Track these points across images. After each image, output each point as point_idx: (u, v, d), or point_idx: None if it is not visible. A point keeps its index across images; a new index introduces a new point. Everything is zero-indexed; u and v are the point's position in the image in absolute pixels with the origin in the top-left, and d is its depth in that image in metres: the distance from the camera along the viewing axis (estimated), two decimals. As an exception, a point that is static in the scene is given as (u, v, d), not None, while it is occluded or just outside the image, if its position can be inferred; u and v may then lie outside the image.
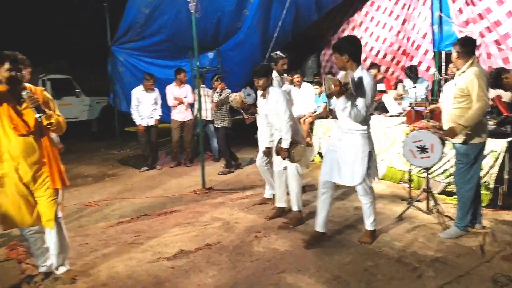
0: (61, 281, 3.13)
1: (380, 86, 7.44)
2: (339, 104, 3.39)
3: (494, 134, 4.54)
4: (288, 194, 4.44)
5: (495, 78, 4.60)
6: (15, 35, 13.91)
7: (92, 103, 12.78)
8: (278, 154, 4.25)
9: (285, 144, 4.09)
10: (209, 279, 3.18)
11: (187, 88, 7.44)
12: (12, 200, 2.94)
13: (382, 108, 6.88)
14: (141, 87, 7.14)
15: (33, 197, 2.99)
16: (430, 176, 4.56)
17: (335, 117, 3.67)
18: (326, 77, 3.51)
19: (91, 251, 3.77)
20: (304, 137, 4.46)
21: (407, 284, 3.03)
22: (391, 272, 3.20)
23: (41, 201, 2.99)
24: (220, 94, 7.03)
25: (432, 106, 4.63)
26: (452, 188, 4.81)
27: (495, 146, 4.49)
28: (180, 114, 7.38)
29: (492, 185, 4.51)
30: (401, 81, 7.61)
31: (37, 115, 2.82)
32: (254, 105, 4.91)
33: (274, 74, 4.68)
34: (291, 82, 4.81)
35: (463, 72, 3.61)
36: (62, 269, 3.18)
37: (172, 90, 7.36)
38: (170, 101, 7.32)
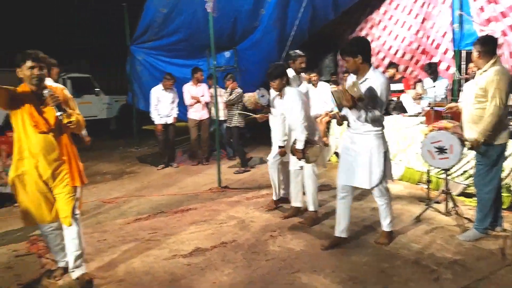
0: (77, 284, 3.10)
1: (399, 86, 7.35)
2: (353, 114, 3.37)
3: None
4: (304, 193, 4.43)
5: None
6: (38, 35, 14.19)
7: (111, 102, 12.97)
8: (293, 154, 4.25)
9: (299, 145, 4.07)
10: (224, 277, 3.20)
11: (203, 87, 7.49)
12: (32, 197, 2.97)
13: (400, 108, 6.79)
14: (160, 86, 7.23)
15: (52, 194, 3.02)
16: (449, 177, 4.49)
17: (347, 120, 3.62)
18: (332, 90, 3.46)
19: (109, 247, 3.83)
20: (321, 137, 4.43)
21: (424, 286, 2.99)
22: (407, 274, 3.16)
23: (59, 198, 3.01)
24: (231, 94, 7.05)
25: (452, 104, 4.54)
26: (471, 189, 4.71)
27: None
28: (197, 113, 7.43)
29: (513, 187, 4.42)
30: (420, 80, 7.49)
31: (58, 113, 2.85)
32: (268, 106, 4.91)
33: (291, 72, 4.66)
34: (309, 81, 4.78)
35: (485, 71, 3.54)
36: (77, 272, 3.10)
37: (189, 89, 7.41)
38: (187, 100, 7.38)
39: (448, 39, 7.84)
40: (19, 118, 2.86)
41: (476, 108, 3.58)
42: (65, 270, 3.20)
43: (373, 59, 9.47)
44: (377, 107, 3.34)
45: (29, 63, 2.83)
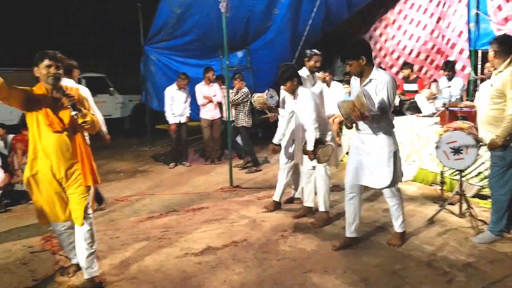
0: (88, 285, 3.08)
1: (413, 86, 7.28)
2: (364, 124, 3.35)
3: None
4: (316, 194, 4.42)
5: None
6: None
7: (125, 101, 13.10)
8: (305, 154, 4.24)
9: (309, 146, 4.06)
10: (235, 276, 3.21)
11: (215, 87, 7.52)
12: (46, 197, 2.99)
13: (414, 108, 6.72)
14: (174, 86, 7.29)
15: (66, 193, 3.01)
16: (463, 179, 4.42)
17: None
18: (339, 102, 3.36)
19: (122, 245, 3.87)
20: (335, 137, 4.41)
21: (437, 289, 2.96)
22: (420, 276, 3.13)
23: (72, 198, 3.00)
24: (237, 93, 7.05)
25: (468, 103, 4.49)
26: (486, 191, 4.64)
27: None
28: (209, 113, 7.46)
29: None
30: (435, 80, 7.40)
31: (73, 113, 2.86)
32: (276, 107, 4.91)
33: (305, 72, 4.65)
34: (323, 80, 4.76)
35: (500, 71, 3.47)
36: (89, 273, 3.05)
37: (201, 89, 7.45)
38: (200, 100, 7.41)
39: (464, 38, 7.73)
40: (34, 117, 2.88)
41: (491, 109, 3.52)
42: (78, 267, 3.22)
43: (387, 59, 9.42)
44: (385, 106, 3.29)
45: (46, 62, 2.85)
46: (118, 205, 5.21)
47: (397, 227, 3.66)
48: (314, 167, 4.31)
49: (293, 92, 4.20)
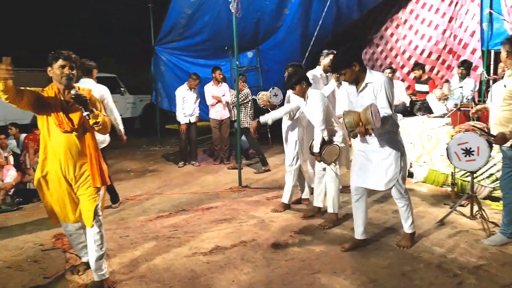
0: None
1: (425, 87, 7.22)
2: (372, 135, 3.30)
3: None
4: (325, 195, 4.41)
5: None
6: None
7: (135, 101, 13.18)
8: (313, 155, 4.23)
9: (315, 149, 4.05)
10: (243, 275, 3.21)
11: (224, 87, 7.53)
12: (57, 197, 3.00)
13: (426, 109, 6.66)
14: (185, 86, 7.33)
15: (76, 194, 3.02)
16: (474, 180, 4.37)
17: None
18: (344, 111, 3.26)
19: (131, 244, 3.90)
20: (346, 137, 4.39)
21: (446, 291, 2.93)
22: (430, 278, 3.10)
23: (82, 199, 3.00)
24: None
25: (479, 106, 4.42)
26: (498, 193, 4.58)
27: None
28: (218, 113, 7.48)
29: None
30: (447, 81, 7.33)
31: (85, 114, 2.85)
32: (281, 106, 4.90)
33: (318, 71, 4.62)
34: (337, 79, 4.74)
35: (513, 72, 3.43)
36: (98, 275, 3.03)
37: (210, 89, 7.47)
38: (209, 100, 7.44)
39: (476, 38, 7.63)
40: (44, 117, 2.89)
41: (503, 110, 3.47)
42: (88, 265, 3.24)
43: (398, 59, 9.35)
44: (386, 107, 3.22)
45: (60, 62, 2.85)
46: (128, 204, 5.25)
47: (407, 228, 3.63)
48: (324, 169, 4.30)
49: (303, 95, 4.19)
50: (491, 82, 7.11)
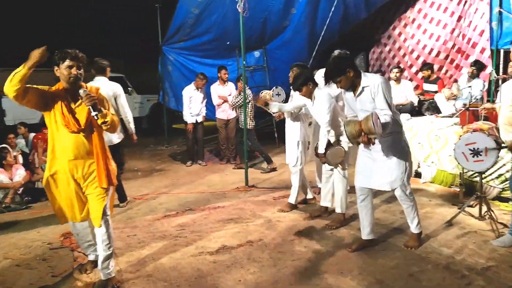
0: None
1: (434, 87, 7.16)
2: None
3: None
4: (333, 195, 4.40)
5: None
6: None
7: (143, 101, 13.24)
8: (317, 156, 4.22)
9: (320, 149, 4.04)
10: (250, 275, 3.21)
11: (230, 86, 7.53)
12: (65, 196, 3.00)
13: (434, 109, 6.61)
14: (192, 86, 7.35)
15: (84, 193, 3.02)
16: (483, 181, 4.33)
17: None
18: (345, 121, 3.26)
19: (139, 242, 3.92)
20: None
21: (454, 292, 2.90)
22: (437, 279, 3.08)
23: (91, 198, 3.00)
24: (238, 96, 7.06)
25: (487, 105, 4.39)
26: (507, 193, 4.54)
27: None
28: (224, 113, 7.48)
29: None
30: (456, 81, 7.27)
31: (93, 113, 2.82)
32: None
33: None
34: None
35: (523, 71, 3.39)
36: (104, 274, 3.05)
37: (216, 89, 7.48)
38: (215, 100, 7.45)
39: (485, 37, 7.55)
40: (52, 117, 2.88)
41: (513, 110, 3.44)
42: (95, 263, 3.27)
43: (406, 58, 9.29)
44: (385, 109, 3.18)
45: (67, 62, 2.83)
46: (135, 203, 5.28)
47: (413, 228, 3.61)
48: (332, 169, 4.29)
49: (309, 95, 4.18)
50: (500, 81, 7.05)
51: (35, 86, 2.83)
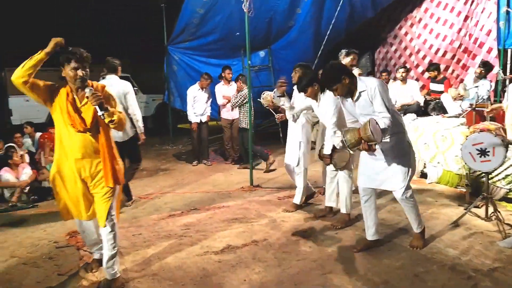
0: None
1: (440, 87, 7.12)
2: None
3: None
4: (337, 195, 4.39)
5: None
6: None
7: (148, 100, 13.28)
8: (321, 159, 4.20)
9: (326, 150, 4.02)
10: (254, 275, 3.21)
11: (235, 86, 7.53)
12: (71, 194, 3.01)
13: (440, 108, 6.57)
14: (196, 86, 7.37)
15: (90, 192, 3.02)
16: (490, 181, 4.30)
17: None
18: (344, 130, 3.24)
19: (144, 242, 3.93)
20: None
21: (460, 294, 2.89)
22: (443, 279, 3.06)
23: (97, 198, 2.99)
24: (237, 96, 7.06)
25: (495, 105, 4.35)
26: (515, 194, 4.51)
27: None
28: (229, 113, 7.48)
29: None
30: (462, 81, 7.23)
31: (100, 113, 2.80)
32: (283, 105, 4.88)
33: None
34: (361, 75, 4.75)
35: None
36: (109, 274, 3.05)
37: (221, 89, 7.49)
38: (220, 100, 7.46)
39: (493, 37, 7.50)
40: (59, 116, 2.88)
41: (521, 110, 3.41)
42: (100, 262, 3.26)
43: (412, 58, 9.25)
44: (383, 111, 3.16)
45: (73, 64, 2.81)
46: (141, 203, 5.30)
47: (416, 228, 3.59)
48: (336, 169, 4.28)
49: (315, 96, 4.16)
50: (507, 81, 7.00)
51: (42, 81, 2.86)
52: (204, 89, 7.36)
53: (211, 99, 7.52)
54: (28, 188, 5.63)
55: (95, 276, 3.25)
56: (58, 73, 2.91)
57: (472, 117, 5.22)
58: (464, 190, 4.97)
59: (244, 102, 7.00)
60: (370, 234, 3.62)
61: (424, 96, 7.27)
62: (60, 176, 2.99)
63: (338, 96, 3.37)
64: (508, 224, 3.94)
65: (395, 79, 7.75)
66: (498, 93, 7.44)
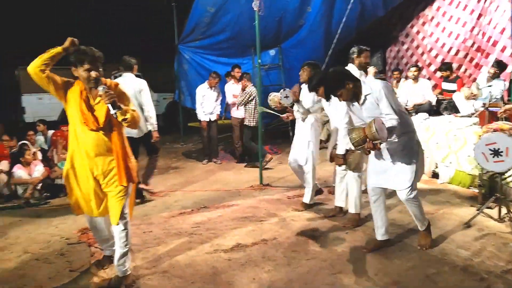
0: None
1: (453, 86, 7.05)
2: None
3: None
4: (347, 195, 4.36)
5: None
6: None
7: (159, 99, 13.34)
8: (332, 160, 4.17)
9: (340, 150, 4.00)
10: (264, 274, 3.21)
11: None
12: (84, 191, 3.02)
13: (452, 108, 6.50)
14: (206, 84, 7.39)
15: (102, 190, 3.01)
16: (503, 182, 4.24)
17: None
18: (349, 129, 3.23)
19: (154, 239, 3.96)
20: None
21: (472, 295, 2.85)
22: (455, 281, 3.03)
23: (110, 196, 2.99)
24: (242, 95, 7.06)
25: (508, 106, 4.29)
26: (528, 195, 4.43)
27: None
28: (239, 111, 7.49)
29: None
30: (475, 80, 7.14)
31: (113, 112, 2.75)
32: (291, 107, 4.87)
33: (353, 69, 4.57)
34: (376, 74, 4.68)
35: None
36: (120, 271, 3.07)
37: (230, 88, 7.50)
38: (230, 99, 7.47)
39: (507, 35, 7.39)
40: (73, 113, 2.89)
41: (535, 109, 3.36)
42: (110, 259, 3.29)
43: (424, 57, 9.16)
44: (390, 113, 3.14)
45: (86, 65, 2.80)
46: (152, 200, 5.33)
47: (420, 226, 3.57)
48: (345, 169, 4.25)
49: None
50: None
51: (58, 76, 2.89)
52: (213, 88, 7.38)
53: (220, 98, 7.53)
54: (40, 185, 5.70)
55: (106, 273, 3.27)
56: (69, 71, 2.91)
57: (485, 116, 5.16)
58: (476, 190, 4.91)
59: (250, 100, 7.00)
60: (380, 234, 3.60)
61: (437, 96, 7.20)
62: (73, 172, 3.00)
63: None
64: (521, 226, 3.89)
65: (406, 78, 7.68)
66: (512, 93, 7.32)
